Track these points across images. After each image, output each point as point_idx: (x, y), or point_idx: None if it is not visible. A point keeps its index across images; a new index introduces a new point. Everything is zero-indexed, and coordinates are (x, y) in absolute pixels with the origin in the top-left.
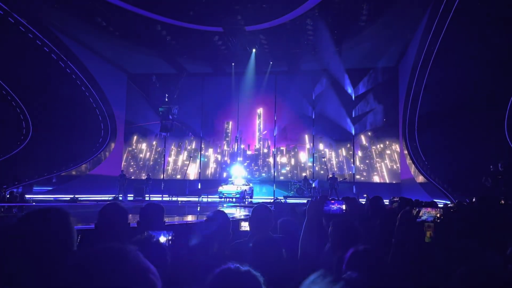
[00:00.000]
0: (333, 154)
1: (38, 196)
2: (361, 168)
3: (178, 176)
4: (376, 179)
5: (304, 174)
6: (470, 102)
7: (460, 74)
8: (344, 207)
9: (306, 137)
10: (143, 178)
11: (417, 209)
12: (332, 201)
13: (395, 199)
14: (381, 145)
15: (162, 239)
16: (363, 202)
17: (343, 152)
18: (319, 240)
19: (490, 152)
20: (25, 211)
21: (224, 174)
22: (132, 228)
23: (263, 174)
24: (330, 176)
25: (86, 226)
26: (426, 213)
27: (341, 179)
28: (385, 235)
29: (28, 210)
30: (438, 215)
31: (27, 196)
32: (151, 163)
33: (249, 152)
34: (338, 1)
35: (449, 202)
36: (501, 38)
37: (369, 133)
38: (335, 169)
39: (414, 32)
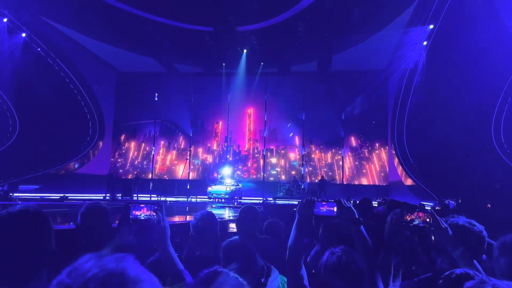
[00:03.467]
0: (323, 155)
1: (24, 194)
2: (350, 170)
3: (167, 176)
4: (364, 181)
5: (293, 173)
6: (459, 105)
7: (449, 78)
8: (335, 209)
9: (296, 138)
10: (131, 177)
11: (407, 214)
12: (323, 203)
13: (378, 200)
14: (370, 148)
15: (144, 214)
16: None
17: (333, 154)
18: (308, 242)
19: (477, 156)
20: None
21: (215, 174)
22: (113, 228)
23: (252, 172)
24: (320, 178)
25: (67, 226)
26: (417, 219)
27: (330, 180)
28: (377, 239)
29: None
30: (428, 220)
31: (15, 194)
32: (139, 160)
33: (238, 152)
34: (329, 4)
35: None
36: (488, 42)
37: (359, 136)
38: (325, 169)
39: (404, 35)
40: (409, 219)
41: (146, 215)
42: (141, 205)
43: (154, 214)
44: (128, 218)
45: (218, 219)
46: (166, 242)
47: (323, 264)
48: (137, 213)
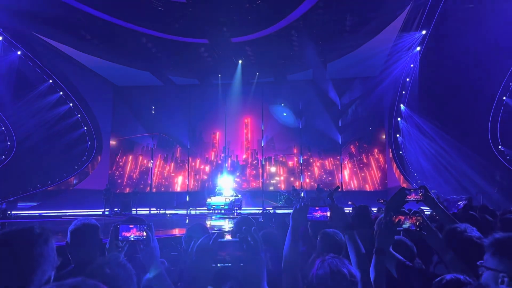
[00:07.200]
0: (322, 163)
1: (23, 212)
2: (349, 176)
3: (163, 189)
4: (363, 187)
5: (291, 178)
6: (454, 112)
7: (443, 82)
8: (328, 214)
9: (294, 147)
10: (130, 191)
11: (396, 217)
12: (316, 208)
13: (381, 201)
14: (368, 154)
15: (134, 234)
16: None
17: (331, 161)
18: (304, 249)
19: (475, 160)
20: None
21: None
22: (104, 244)
23: (251, 180)
24: (317, 186)
25: (58, 243)
26: (407, 220)
27: (329, 189)
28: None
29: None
30: (417, 223)
31: (14, 212)
32: (137, 174)
33: (236, 161)
34: (322, 12)
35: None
36: (482, 48)
37: (356, 142)
38: (324, 176)
39: (397, 41)
40: (398, 221)
41: (135, 236)
42: (130, 226)
43: (144, 234)
44: (117, 237)
45: (218, 231)
46: (156, 263)
47: (315, 273)
48: (127, 234)
